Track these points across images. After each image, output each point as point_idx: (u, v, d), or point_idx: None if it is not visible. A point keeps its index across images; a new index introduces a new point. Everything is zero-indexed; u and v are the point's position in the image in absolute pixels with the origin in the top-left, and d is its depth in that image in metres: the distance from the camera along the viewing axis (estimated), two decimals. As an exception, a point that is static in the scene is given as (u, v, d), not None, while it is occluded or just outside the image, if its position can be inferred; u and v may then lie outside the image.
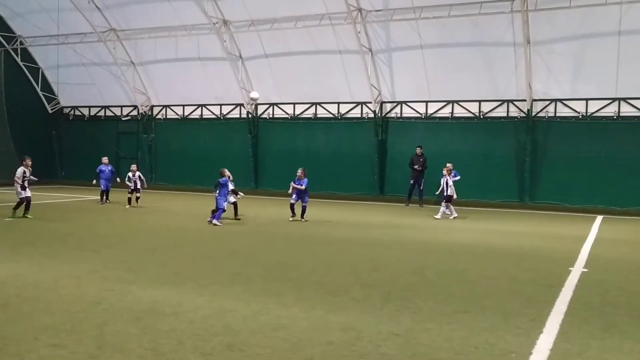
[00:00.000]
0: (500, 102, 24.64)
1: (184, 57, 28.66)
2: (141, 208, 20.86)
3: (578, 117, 23.52)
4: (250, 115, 28.68)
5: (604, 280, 9.91)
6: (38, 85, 32.61)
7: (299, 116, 28.15)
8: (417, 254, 12.45)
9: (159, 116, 31.41)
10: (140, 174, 21.83)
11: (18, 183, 16.97)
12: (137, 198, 21.38)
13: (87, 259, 10.89)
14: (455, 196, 19.36)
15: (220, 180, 16.76)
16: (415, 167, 23.51)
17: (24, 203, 17.01)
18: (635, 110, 22.71)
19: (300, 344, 6.23)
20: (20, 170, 17.19)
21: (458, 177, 19.56)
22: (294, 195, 17.59)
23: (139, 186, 21.51)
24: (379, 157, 26.09)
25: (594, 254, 12.70)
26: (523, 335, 6.65)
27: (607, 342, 6.46)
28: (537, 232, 16.49)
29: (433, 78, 24.94)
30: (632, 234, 16.10)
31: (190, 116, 30.70)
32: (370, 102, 26.09)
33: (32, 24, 30.36)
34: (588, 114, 23.40)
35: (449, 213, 19.27)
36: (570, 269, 10.82)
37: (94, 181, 22.96)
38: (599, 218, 20.38)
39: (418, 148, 23.63)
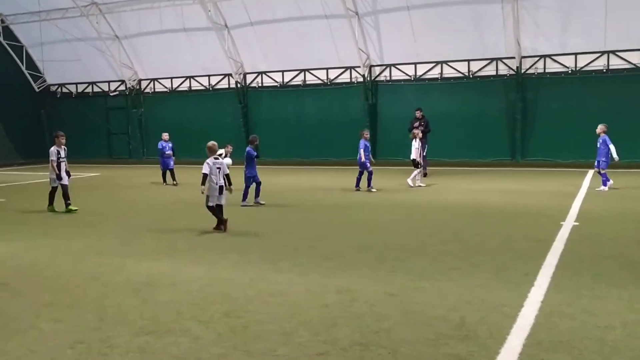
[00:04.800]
0: (489, 61, 24.55)
1: (168, 28, 28.28)
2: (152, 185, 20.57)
3: (567, 72, 23.48)
4: (239, 85, 28.49)
5: (594, 233, 10.06)
6: (23, 64, 32.17)
7: (288, 84, 27.99)
8: (410, 216, 12.56)
9: (147, 90, 31.16)
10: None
11: (54, 168, 13.58)
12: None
13: (83, 235, 10.95)
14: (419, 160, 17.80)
15: (249, 151, 14.53)
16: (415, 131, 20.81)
17: (57, 192, 13.81)
18: (624, 62, 22.69)
19: (297, 308, 6.35)
20: (53, 150, 13.70)
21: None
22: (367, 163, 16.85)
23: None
24: (370, 122, 26.04)
25: (585, 208, 12.86)
26: (515, 289, 6.79)
27: (596, 292, 6.61)
28: (529, 189, 16.62)
29: (421, 39, 24.76)
30: (622, 186, 16.24)
31: (179, 88, 30.46)
32: (359, 67, 25.94)
33: (12, 1, 29.80)
34: (577, 68, 23.36)
35: (418, 179, 17.83)
36: (561, 223, 10.97)
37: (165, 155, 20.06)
38: (591, 172, 20.51)
39: (417, 111, 21.04)
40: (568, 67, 23.44)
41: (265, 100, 28.38)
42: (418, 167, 17.76)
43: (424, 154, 19.26)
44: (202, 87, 29.82)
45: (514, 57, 23.74)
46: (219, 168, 11.12)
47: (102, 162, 30.48)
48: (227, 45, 27.52)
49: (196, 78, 29.81)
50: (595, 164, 16.26)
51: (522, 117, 24.09)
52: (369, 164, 16.92)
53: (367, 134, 17.68)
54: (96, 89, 32.40)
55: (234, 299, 6.72)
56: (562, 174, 20.74)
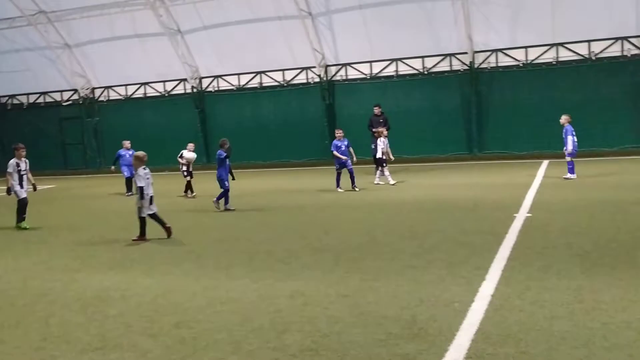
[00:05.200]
0: (442, 57, 24.83)
1: (120, 35, 27.85)
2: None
3: (519, 65, 23.91)
4: (195, 90, 28.19)
5: (546, 224, 10.22)
6: (-31, 76, 31.29)
7: (245, 87, 27.82)
8: (368, 214, 12.58)
9: (102, 98, 30.61)
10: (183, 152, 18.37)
11: (11, 180, 12.90)
12: (190, 186, 17.88)
13: (34, 251, 10.65)
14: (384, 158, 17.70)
15: (219, 153, 14.27)
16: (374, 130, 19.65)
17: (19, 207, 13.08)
18: (572, 54, 23.21)
19: (249, 314, 6.27)
20: (12, 162, 13.03)
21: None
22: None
23: (191, 169, 18.03)
24: (328, 121, 26.09)
25: (538, 199, 13.08)
26: (466, 284, 6.83)
27: (545, 283, 6.70)
28: (485, 182, 16.85)
29: (375, 37, 24.91)
30: (576, 176, 16.57)
31: (134, 95, 29.99)
32: (315, 67, 25.95)
33: (-45, 12, 28.94)
34: (528, 61, 23.80)
35: (384, 176, 17.70)
36: (515, 215, 11.12)
37: (113, 167, 20.01)
38: (545, 163, 20.93)
39: (376, 107, 20.56)
40: (519, 61, 23.88)
41: (223, 104, 28.17)
42: (383, 165, 17.62)
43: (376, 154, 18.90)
44: (158, 93, 29.42)
45: (466, 53, 24.06)
46: (148, 178, 10.94)
47: (57, 173, 29.81)
48: (181, 50, 27.22)
49: (151, 84, 29.40)
50: (568, 153, 16.44)
51: (477, 111, 24.45)
52: (343, 161, 16.69)
53: (338, 133, 17.54)
54: (48, 99, 31.67)
55: (185, 309, 6.60)
56: (518, 165, 21.12)
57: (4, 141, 32.39)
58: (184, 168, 17.67)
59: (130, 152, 19.24)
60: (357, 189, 16.29)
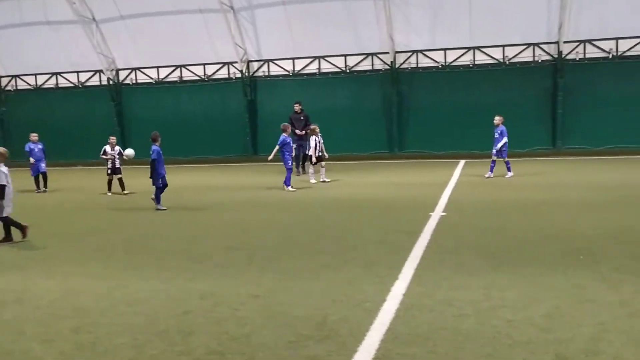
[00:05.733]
0: (365, 56, 25.06)
1: (30, 21, 26.37)
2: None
3: (438, 67, 24.47)
4: (111, 82, 27.13)
5: (460, 222, 10.44)
6: None
7: (164, 80, 27.04)
8: (286, 213, 12.45)
9: (9, 87, 28.91)
10: (121, 149, 17.16)
11: None
12: (120, 180, 16.89)
13: None
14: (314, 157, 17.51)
15: (154, 148, 13.41)
16: (297, 131, 19.81)
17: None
18: (488, 58, 23.99)
19: (155, 316, 5.99)
20: None
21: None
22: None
23: (118, 165, 16.95)
24: (249, 117, 25.79)
25: (454, 198, 13.38)
26: (380, 283, 6.81)
27: (455, 281, 6.79)
28: (404, 181, 17.11)
29: (298, 34, 24.83)
30: (486, 175, 17.10)
31: (45, 85, 28.52)
32: (237, 62, 25.56)
33: None
34: (447, 63, 24.41)
35: (322, 174, 17.73)
36: (430, 214, 11.29)
37: (32, 160, 17.84)
38: (462, 163, 21.54)
39: (296, 104, 20.27)
40: (438, 62, 24.43)
41: (141, 98, 27.28)
42: (315, 163, 17.39)
43: (307, 152, 18.55)
44: (71, 84, 28.11)
45: (388, 53, 24.39)
46: (6, 174, 10.11)
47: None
48: (96, 40, 26.11)
49: (64, 74, 28.04)
50: (494, 152, 16.79)
51: (398, 111, 24.85)
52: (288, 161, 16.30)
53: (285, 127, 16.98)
54: (-51, 87, 29.63)
55: (86, 312, 6.23)
56: (436, 164, 21.61)
57: None
58: (109, 164, 16.74)
59: (40, 146, 18.08)
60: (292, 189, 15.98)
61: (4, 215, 10.06)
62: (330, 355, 4.87)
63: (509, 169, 16.79)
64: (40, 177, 17.87)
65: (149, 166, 13.49)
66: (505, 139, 16.57)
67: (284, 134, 16.14)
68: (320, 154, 17.38)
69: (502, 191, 14.26)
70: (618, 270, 7.05)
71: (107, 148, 16.92)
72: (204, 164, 25.24)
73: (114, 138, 17.31)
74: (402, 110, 24.94)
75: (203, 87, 26.57)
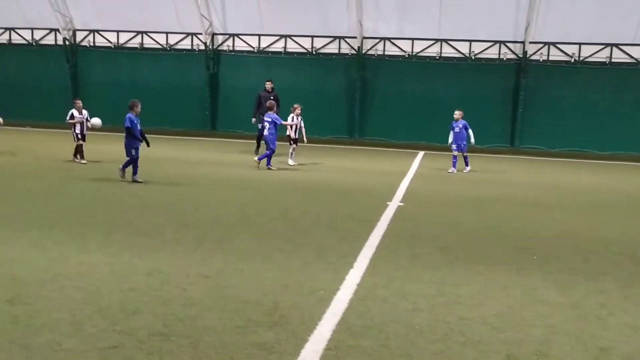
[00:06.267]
0: (332, 39, 24.78)
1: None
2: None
3: (404, 56, 24.40)
4: (67, 42, 26.10)
5: (417, 214, 10.39)
6: None
7: (124, 45, 26.17)
8: (240, 192, 12.18)
9: (-42, 39, 27.53)
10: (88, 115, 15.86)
11: None
12: (80, 151, 15.67)
13: None
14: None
15: (129, 116, 12.68)
16: (256, 121, 18.73)
17: None
18: (454, 51, 24.05)
19: (97, 292, 5.69)
20: None
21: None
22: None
23: (85, 131, 15.87)
24: (210, 91, 25.24)
25: (412, 189, 13.35)
26: (334, 271, 6.67)
27: (410, 273, 6.70)
28: (362, 168, 17.01)
29: (266, 11, 24.36)
30: (448, 169, 17.17)
31: (-4, 41, 27.26)
32: (201, 34, 24.93)
33: None
34: (414, 53, 24.36)
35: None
36: (387, 203, 11.21)
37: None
38: (421, 154, 21.60)
39: (268, 82, 19.14)
40: (405, 52, 24.37)
41: (98, 61, 26.34)
42: (294, 144, 16.85)
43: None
44: (25, 42, 26.91)
45: (355, 37, 24.18)
46: None
47: None
48: (55, -2, 25.04)
49: (17, 30, 26.81)
50: (454, 147, 16.65)
51: (361, 97, 24.72)
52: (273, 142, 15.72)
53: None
54: None
55: (24, 283, 5.88)
56: (396, 154, 21.61)
57: None
58: (77, 130, 15.61)
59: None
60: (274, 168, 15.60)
61: None
62: (280, 343, 4.70)
63: (467, 164, 16.86)
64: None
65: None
66: (470, 133, 16.53)
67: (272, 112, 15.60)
68: (297, 135, 16.73)
69: (460, 186, 14.31)
70: (570, 272, 7.09)
71: (75, 112, 15.74)
72: (160, 135, 24.52)
73: (80, 101, 16.08)
74: (365, 96, 24.81)
75: (164, 57, 25.81)
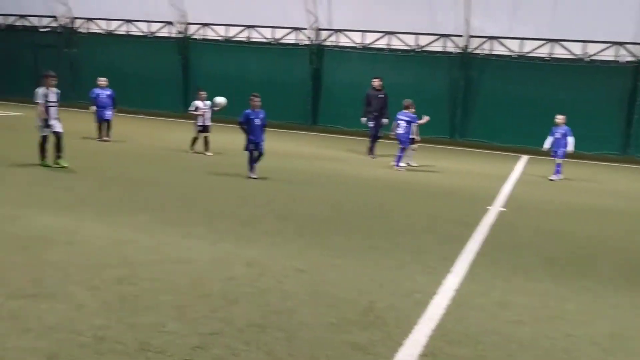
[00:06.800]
0: (437, 37, 24.29)
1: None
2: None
3: (512, 56, 23.52)
4: (180, 35, 27.24)
5: (519, 221, 9.97)
6: (-53, -11, 29.75)
7: (232, 39, 26.96)
8: (338, 186, 12.20)
9: (82, 29, 29.40)
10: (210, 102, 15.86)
11: (41, 113, 11.59)
12: (207, 139, 15.65)
13: (-15, 180, 10.10)
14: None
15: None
16: (364, 119, 18.09)
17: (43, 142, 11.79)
18: (567, 52, 22.88)
19: (199, 279, 5.89)
20: (40, 91, 11.66)
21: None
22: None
23: (208, 122, 15.84)
24: (313, 86, 25.50)
25: (514, 194, 12.83)
26: (431, 274, 6.53)
27: (512, 283, 6.44)
28: (463, 170, 16.58)
29: (371, 8, 24.21)
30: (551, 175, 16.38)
31: (116, 32, 28.87)
32: (306, 29, 25.22)
33: None
34: (522, 53, 23.43)
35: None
36: (488, 207, 10.84)
37: (94, 108, 16.84)
38: (525, 158, 20.75)
39: (375, 80, 18.19)
40: (513, 52, 23.48)
41: (207, 54, 27.23)
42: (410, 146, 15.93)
43: (378, 134, 17.76)
44: (141, 33, 28.35)
45: (461, 36, 23.58)
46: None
47: (27, 101, 28.64)
48: (171, -8, 26.18)
49: (135, 22, 28.27)
50: (553, 153, 15.93)
51: (464, 97, 24.08)
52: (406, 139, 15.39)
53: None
54: (26, 24, 30.33)
55: (132, 263, 6.19)
56: (498, 156, 20.90)
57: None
58: (200, 121, 15.62)
59: (108, 92, 17.01)
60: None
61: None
62: (374, 345, 4.65)
63: (558, 171, 15.84)
64: (104, 125, 16.76)
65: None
66: (570, 140, 15.64)
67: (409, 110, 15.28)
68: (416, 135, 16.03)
69: (566, 193, 13.59)
70: (689, 295, 6.55)
71: (199, 103, 15.68)
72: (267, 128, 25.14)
73: (204, 92, 16.02)
74: (469, 96, 24.12)
75: (270, 50, 26.33)
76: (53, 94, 11.84)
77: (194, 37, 27.47)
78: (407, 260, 7.03)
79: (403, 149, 15.53)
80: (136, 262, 6.25)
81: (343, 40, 25.57)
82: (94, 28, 29.28)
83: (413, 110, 15.95)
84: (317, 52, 25.63)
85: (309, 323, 4.97)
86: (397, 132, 15.47)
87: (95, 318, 4.77)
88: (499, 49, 23.77)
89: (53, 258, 6.18)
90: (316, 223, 8.65)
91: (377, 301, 5.58)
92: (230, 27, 26.84)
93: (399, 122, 15.52)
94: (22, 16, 30.14)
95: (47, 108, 11.67)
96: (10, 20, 30.54)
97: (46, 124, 11.70)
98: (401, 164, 15.58)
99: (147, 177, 11.70)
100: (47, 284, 5.43)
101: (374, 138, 18.04)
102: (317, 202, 10.31)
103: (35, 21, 30.00)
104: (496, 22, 23.23)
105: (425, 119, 16.11)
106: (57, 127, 11.80)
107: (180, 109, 26.66)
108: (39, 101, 11.62)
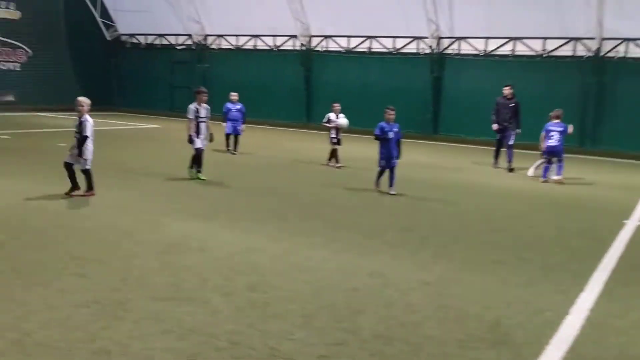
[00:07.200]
0: (567, 40, 23.13)
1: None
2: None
3: (650, 58, 21.90)
4: (304, 48, 28.03)
5: (661, 236, 9.27)
6: (97, 12, 32.65)
7: (353, 50, 27.31)
8: (461, 197, 11.95)
9: (213, 46, 31.11)
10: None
11: (190, 127, 12.04)
12: (335, 155, 15.48)
13: (127, 188, 10.96)
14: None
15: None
16: (495, 126, 17.00)
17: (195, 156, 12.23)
18: None
19: (323, 288, 6.04)
20: (192, 107, 12.09)
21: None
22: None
23: (339, 135, 15.53)
24: (433, 95, 25.23)
25: (654, 207, 11.93)
26: (562, 292, 6.24)
27: (653, 305, 6.01)
28: (594, 180, 15.63)
29: (494, 12, 23.49)
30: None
31: (244, 46, 30.24)
32: (427, 37, 24.99)
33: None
34: (663, 55, 21.75)
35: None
36: (625, 221, 10.16)
37: (224, 124, 17.31)
38: (665, 168, 19.23)
39: (506, 87, 17.19)
40: (652, 53, 21.86)
41: (329, 65, 27.78)
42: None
43: (511, 143, 16.73)
44: (267, 47, 29.49)
45: (593, 38, 22.29)
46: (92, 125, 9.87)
47: (163, 114, 30.77)
48: (295, 6, 27.01)
49: (261, 37, 29.49)
50: None
51: (596, 103, 22.72)
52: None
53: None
54: (164, 42, 32.59)
55: (261, 271, 6.47)
56: (634, 166, 19.51)
57: (120, 78, 33.88)
58: (333, 134, 15.51)
59: (238, 107, 17.44)
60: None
61: (87, 167, 9.82)
62: (503, 364, 4.54)
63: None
64: (233, 138, 17.17)
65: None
66: None
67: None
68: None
69: None
70: None
71: (332, 115, 15.71)
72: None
73: (338, 105, 15.97)
74: (602, 102, 22.72)
75: (391, 60, 26.38)
76: (203, 110, 12.19)
77: (317, 49, 28.12)
78: (536, 277, 6.77)
79: (560, 161, 14.74)
80: (264, 269, 6.53)
81: (465, 48, 25.08)
82: (224, 44, 30.86)
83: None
84: (439, 61, 25.33)
85: (435, 337, 4.95)
86: (549, 144, 14.79)
87: (229, 323, 5.04)
88: (635, 52, 22.21)
89: (188, 263, 6.60)
90: (439, 235, 8.56)
91: (505, 318, 5.43)
92: (352, 38, 27.21)
93: (551, 133, 14.85)
94: (160, 35, 32.42)
95: (197, 124, 12.08)
96: (150, 39, 32.93)
97: (190, 140, 12.08)
98: (533, 173, 15.12)
99: (274, 187, 12.12)
100: (185, 288, 5.82)
101: (499, 147, 17.38)
102: (440, 214, 10.19)
103: (172, 39, 32.15)
104: (632, 21, 21.72)
105: (571, 128, 15.34)
106: (199, 143, 12.08)
107: (303, 120, 27.42)
108: (190, 117, 12.04)
